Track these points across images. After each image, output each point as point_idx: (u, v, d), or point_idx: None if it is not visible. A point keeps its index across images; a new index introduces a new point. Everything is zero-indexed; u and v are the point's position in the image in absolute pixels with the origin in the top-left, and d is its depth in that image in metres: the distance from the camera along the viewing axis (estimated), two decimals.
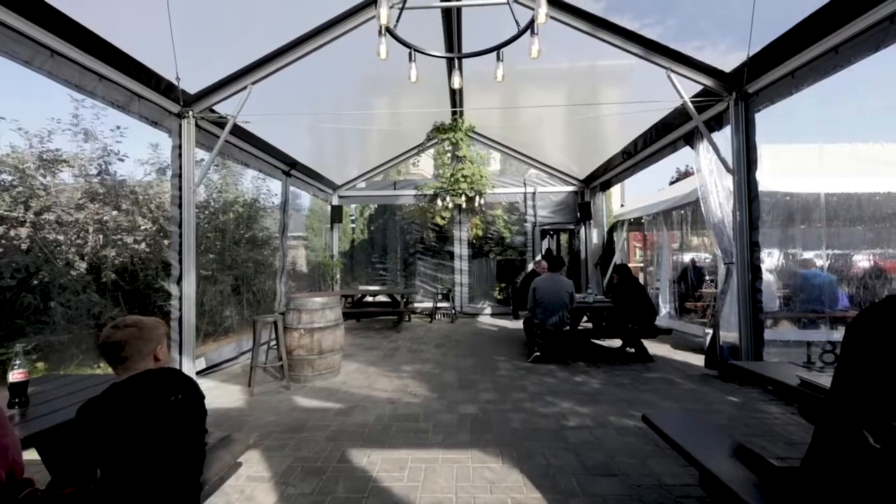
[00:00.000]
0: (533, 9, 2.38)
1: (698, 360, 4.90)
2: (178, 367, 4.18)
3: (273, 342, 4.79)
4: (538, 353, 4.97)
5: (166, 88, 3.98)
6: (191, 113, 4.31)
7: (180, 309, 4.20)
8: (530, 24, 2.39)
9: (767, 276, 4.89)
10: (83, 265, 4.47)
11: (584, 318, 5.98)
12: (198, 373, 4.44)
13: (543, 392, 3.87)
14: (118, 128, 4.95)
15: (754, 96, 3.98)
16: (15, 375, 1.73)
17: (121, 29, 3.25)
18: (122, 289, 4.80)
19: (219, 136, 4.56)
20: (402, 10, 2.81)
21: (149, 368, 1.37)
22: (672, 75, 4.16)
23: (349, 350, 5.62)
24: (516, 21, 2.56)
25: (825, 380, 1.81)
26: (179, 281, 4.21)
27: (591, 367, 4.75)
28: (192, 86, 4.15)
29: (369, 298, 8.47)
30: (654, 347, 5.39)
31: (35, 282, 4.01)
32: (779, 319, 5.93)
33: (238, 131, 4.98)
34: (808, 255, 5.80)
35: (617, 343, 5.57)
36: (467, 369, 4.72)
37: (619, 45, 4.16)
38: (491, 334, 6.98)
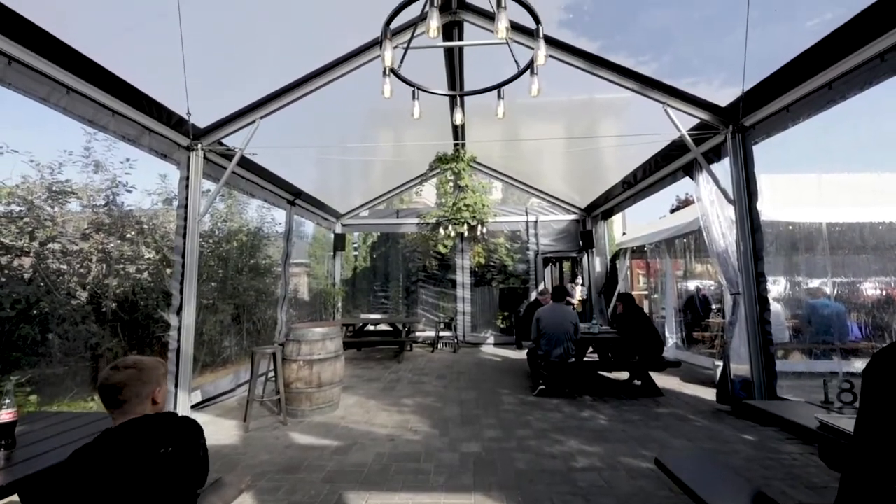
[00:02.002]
0: (532, 48, 2.46)
1: (709, 393, 4.74)
2: (173, 399, 4.08)
3: (271, 374, 4.69)
4: (543, 387, 4.84)
5: (177, 123, 4.10)
6: (200, 146, 4.42)
7: (178, 340, 4.14)
8: (530, 65, 2.48)
9: (775, 306, 4.81)
10: (84, 295, 4.45)
11: (590, 350, 5.85)
12: (193, 406, 4.32)
13: (549, 429, 3.72)
14: (128, 160, 5.07)
15: (751, 129, 4.05)
16: (2, 416, 1.67)
17: (135, 66, 3.38)
18: (121, 319, 4.75)
19: (226, 168, 4.65)
20: (406, 50, 2.92)
21: (146, 413, 1.32)
22: (669, 109, 4.26)
23: (349, 382, 5.49)
24: (516, 62, 2.66)
25: (845, 422, 1.72)
26: (179, 311, 4.17)
27: (598, 401, 4.59)
28: (201, 120, 4.28)
29: (370, 327, 8.35)
30: (662, 380, 5.23)
31: (34, 312, 3.98)
32: (790, 350, 5.79)
33: (244, 162, 5.08)
34: (814, 283, 5.74)
35: (624, 376, 5.42)
36: (470, 403, 4.57)
37: (616, 81, 4.29)
38: (494, 365, 6.82)
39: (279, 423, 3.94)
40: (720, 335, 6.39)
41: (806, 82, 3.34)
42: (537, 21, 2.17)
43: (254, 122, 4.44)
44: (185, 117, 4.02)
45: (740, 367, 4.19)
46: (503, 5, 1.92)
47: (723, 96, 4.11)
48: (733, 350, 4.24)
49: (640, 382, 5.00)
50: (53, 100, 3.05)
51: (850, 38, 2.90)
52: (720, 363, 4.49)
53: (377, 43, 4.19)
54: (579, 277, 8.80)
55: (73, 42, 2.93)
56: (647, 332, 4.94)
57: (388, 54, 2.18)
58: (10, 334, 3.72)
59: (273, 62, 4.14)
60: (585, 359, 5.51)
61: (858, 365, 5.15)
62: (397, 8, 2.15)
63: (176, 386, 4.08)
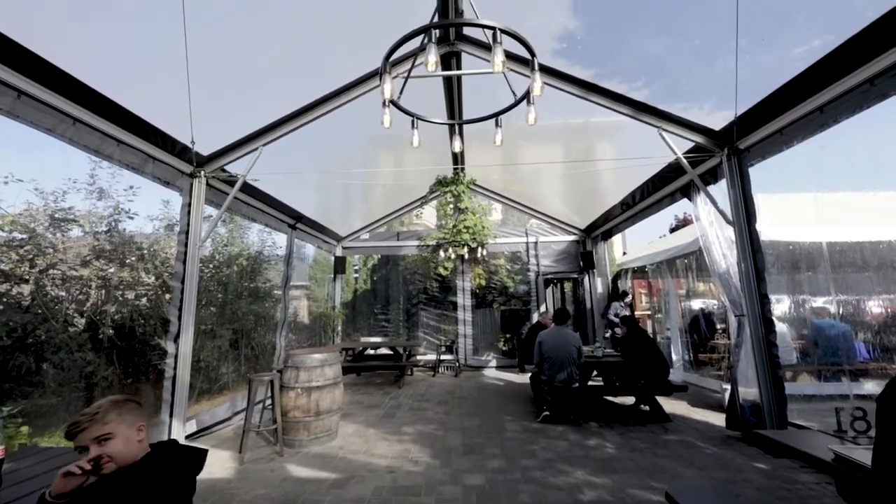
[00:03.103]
0: (528, 76, 2.53)
1: (718, 418, 4.62)
2: (168, 429, 3.98)
3: (269, 401, 4.58)
4: (547, 412, 4.71)
5: (181, 151, 4.17)
6: (202, 172, 4.48)
7: (175, 367, 4.07)
8: (526, 95, 2.54)
9: (781, 327, 4.74)
10: (81, 322, 4.40)
11: (594, 374, 5.74)
12: (188, 437, 4.21)
13: (554, 458, 3.60)
14: (131, 187, 5.10)
15: (746, 152, 4.10)
16: None
17: (140, 96, 3.45)
18: (117, 346, 4.68)
19: (228, 193, 4.69)
20: (406, 80, 3.01)
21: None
22: (664, 133, 4.33)
23: (348, 409, 5.36)
24: (513, 92, 2.72)
25: (861, 453, 1.66)
26: (177, 338, 4.12)
27: (604, 428, 4.47)
28: (205, 147, 4.35)
29: (371, 351, 8.23)
30: (670, 405, 5.10)
31: (30, 340, 3.93)
32: (798, 372, 5.67)
33: (246, 187, 5.13)
34: (818, 301, 5.67)
35: (630, 400, 5.29)
36: (472, 431, 4.44)
37: (610, 106, 4.38)
38: (496, 389, 6.68)
39: (276, 455, 3.82)
40: (727, 356, 6.28)
41: (797, 107, 3.41)
42: (532, 54, 2.23)
43: (256, 149, 4.51)
44: (189, 146, 4.09)
45: (749, 391, 4.10)
46: (499, 40, 1.98)
47: (715, 120, 4.18)
48: (741, 373, 4.15)
49: (647, 407, 4.88)
50: (60, 130, 3.11)
51: (838, 63, 2.98)
52: (728, 386, 4.39)
53: (378, 73, 4.31)
54: (629, 297, 7.71)
55: (79, 74, 3.01)
56: (651, 355, 4.86)
57: (388, 87, 2.24)
58: (4, 364, 3.65)
59: (276, 91, 4.24)
60: (590, 383, 5.39)
61: (868, 387, 5.04)
62: (397, 43, 2.22)
63: (171, 415, 3.99)
